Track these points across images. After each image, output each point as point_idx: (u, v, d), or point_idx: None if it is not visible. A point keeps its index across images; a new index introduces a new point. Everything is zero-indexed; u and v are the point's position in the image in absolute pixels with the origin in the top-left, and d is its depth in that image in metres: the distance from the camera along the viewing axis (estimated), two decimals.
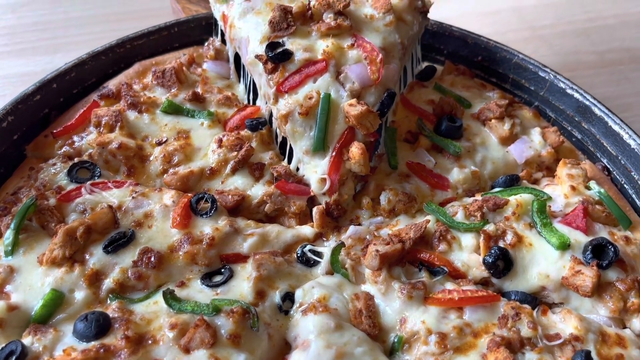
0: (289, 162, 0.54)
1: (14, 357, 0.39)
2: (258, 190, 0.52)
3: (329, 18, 0.46)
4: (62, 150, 0.54)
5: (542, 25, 0.87)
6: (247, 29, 0.49)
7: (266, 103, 0.52)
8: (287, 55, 0.46)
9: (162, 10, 0.81)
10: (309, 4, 0.48)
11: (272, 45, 0.47)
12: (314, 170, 0.45)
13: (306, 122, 0.44)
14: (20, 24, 0.76)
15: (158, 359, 0.40)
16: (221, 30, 0.63)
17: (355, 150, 0.42)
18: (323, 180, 0.45)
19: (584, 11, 0.90)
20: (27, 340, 0.40)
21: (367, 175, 0.48)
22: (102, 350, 0.39)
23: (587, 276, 0.45)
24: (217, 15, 0.55)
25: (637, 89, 0.77)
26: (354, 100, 0.43)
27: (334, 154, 0.43)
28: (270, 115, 0.56)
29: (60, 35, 0.74)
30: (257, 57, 0.47)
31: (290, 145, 0.54)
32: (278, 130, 0.56)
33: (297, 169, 0.53)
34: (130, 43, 0.62)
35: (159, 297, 0.44)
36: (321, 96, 0.43)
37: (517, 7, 0.89)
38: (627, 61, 0.81)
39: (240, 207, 0.51)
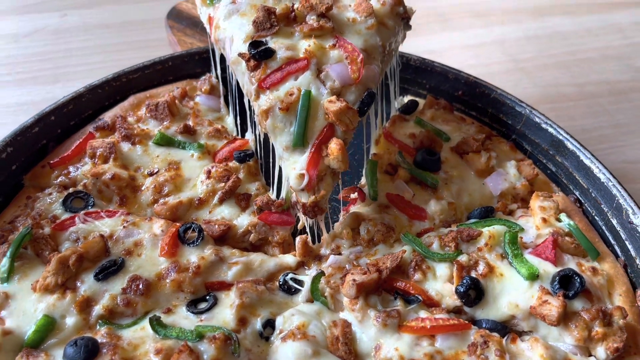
0: (278, 193, 0.57)
1: None
2: (244, 220, 0.54)
3: (311, 20, 0.48)
4: (58, 180, 0.56)
5: (525, 58, 0.90)
6: (231, 29, 0.50)
7: (249, 101, 0.51)
8: (269, 53, 0.47)
9: (159, 41, 0.84)
10: (292, 6, 0.50)
11: (255, 44, 0.48)
12: (293, 167, 0.45)
13: (286, 118, 0.45)
14: (22, 54, 0.79)
15: None
16: (215, 61, 0.66)
17: (334, 146, 0.43)
18: (302, 175, 0.45)
19: (565, 44, 0.93)
20: None
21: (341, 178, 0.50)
22: (101, 339, 0.42)
23: (554, 306, 0.47)
24: (204, 18, 0.57)
25: (615, 121, 0.80)
26: (333, 97, 0.44)
27: (313, 149, 0.44)
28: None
29: (61, 65, 0.77)
30: (240, 55, 0.48)
31: (275, 174, 0.56)
32: (262, 161, 0.58)
33: (280, 196, 0.56)
34: (126, 77, 0.65)
35: (145, 323, 0.45)
36: (302, 93, 0.44)
37: (500, 40, 0.92)
38: (606, 94, 0.84)
39: (226, 236, 0.53)
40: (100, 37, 0.86)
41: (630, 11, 0.97)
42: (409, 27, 0.53)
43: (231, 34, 0.49)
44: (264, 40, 0.49)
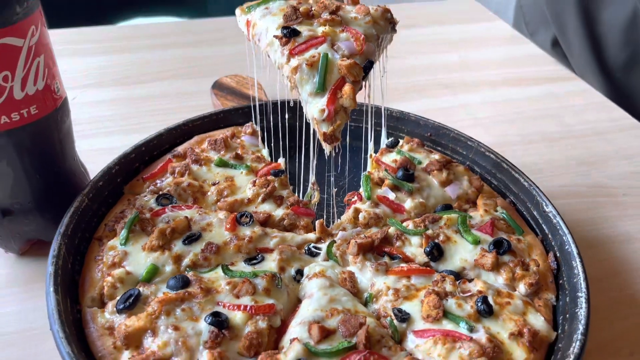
0: (301, 195, 0.80)
1: (132, 298, 0.62)
2: (279, 212, 0.76)
3: (325, 15, 0.66)
4: (149, 189, 0.78)
5: (482, 117, 1.13)
6: (266, 24, 0.67)
7: (278, 69, 0.67)
8: (296, 32, 0.64)
9: (206, 106, 1.07)
10: (311, 7, 0.67)
11: (285, 28, 0.65)
12: (317, 106, 0.58)
13: (310, 72, 0.61)
14: (104, 115, 1.03)
15: (219, 301, 0.62)
16: (254, 113, 0.89)
17: (347, 88, 0.57)
18: (323, 110, 0.61)
19: (513, 107, 1.16)
20: (139, 289, 0.63)
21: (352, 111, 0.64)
22: (186, 293, 0.62)
23: (489, 258, 0.68)
24: (242, 24, 0.71)
25: (547, 159, 1.02)
26: (345, 58, 0.62)
27: (330, 94, 0.59)
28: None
29: (133, 122, 1.00)
30: (275, 36, 0.65)
31: (301, 185, 0.79)
32: (289, 177, 0.82)
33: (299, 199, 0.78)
34: (192, 123, 0.88)
35: (218, 270, 0.66)
36: (321, 55, 0.61)
37: (464, 104, 1.16)
38: (542, 141, 1.07)
39: (268, 221, 0.74)
40: (160, 102, 1.10)
41: (563, 83, 1.23)
42: (394, 31, 0.70)
43: (266, 27, 0.65)
44: (291, 26, 0.66)
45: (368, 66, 0.65)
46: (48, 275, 0.61)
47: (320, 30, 0.65)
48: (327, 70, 0.62)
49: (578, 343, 0.58)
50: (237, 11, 0.73)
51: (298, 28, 0.65)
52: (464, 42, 1.45)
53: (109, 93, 1.11)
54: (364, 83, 0.66)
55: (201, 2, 2.03)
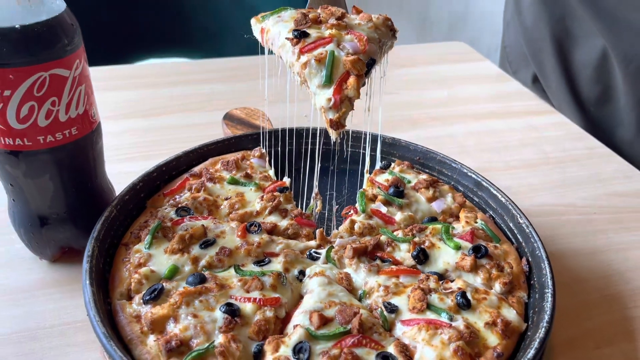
0: (301, 205, 0.89)
1: (157, 291, 0.70)
2: (284, 222, 0.85)
3: (332, 21, 0.72)
4: (169, 202, 0.88)
5: (468, 145, 1.21)
6: (278, 29, 0.73)
7: (289, 68, 0.73)
8: (306, 34, 0.70)
9: (218, 135, 1.15)
10: (319, 15, 0.74)
11: (295, 30, 0.71)
12: (324, 96, 0.64)
13: (318, 67, 0.67)
14: (125, 143, 1.13)
15: (232, 295, 0.71)
16: (262, 140, 0.99)
17: (351, 80, 0.62)
18: (329, 99, 0.67)
19: (496, 137, 1.25)
20: (162, 284, 0.72)
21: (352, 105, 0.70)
22: (203, 288, 0.71)
23: (468, 261, 0.77)
24: (257, 31, 0.76)
25: (526, 182, 1.09)
26: (349, 55, 0.68)
27: (336, 85, 0.65)
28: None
29: (152, 150, 1.10)
30: (287, 38, 0.71)
31: (303, 202, 0.88)
32: (293, 194, 0.91)
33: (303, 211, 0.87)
34: (207, 147, 0.97)
35: (231, 270, 0.74)
36: (328, 52, 0.67)
37: (451, 134, 1.26)
38: (523, 167, 1.16)
39: (274, 230, 0.83)
40: (177, 132, 1.20)
41: (543, 116, 1.33)
42: (395, 38, 0.76)
43: (278, 31, 0.71)
44: (301, 29, 0.72)
45: (371, 63, 0.71)
46: (84, 271, 0.70)
47: (328, 32, 0.71)
48: (333, 65, 0.68)
49: (543, 329, 0.66)
50: (252, 20, 0.79)
51: (307, 31, 0.71)
52: (453, 80, 1.56)
53: (129, 124, 1.21)
54: (366, 80, 0.72)
55: (211, 44, 2.16)
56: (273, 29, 0.75)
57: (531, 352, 0.63)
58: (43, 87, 0.70)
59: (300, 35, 0.71)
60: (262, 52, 0.81)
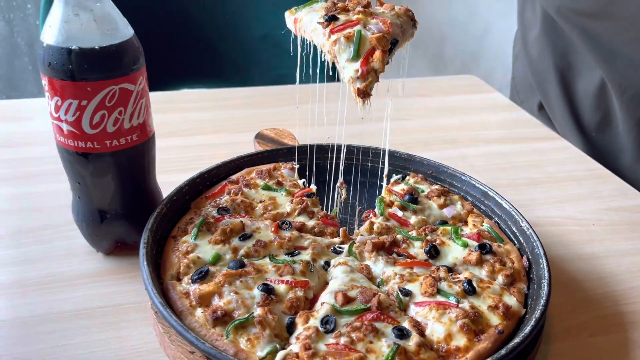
0: (325, 209, 0.99)
1: (203, 272, 0.81)
2: (311, 222, 0.95)
3: (359, 8, 0.78)
4: (211, 204, 0.99)
5: (478, 165, 1.30)
6: (310, 17, 0.80)
7: (321, 52, 0.80)
8: (335, 18, 0.77)
9: (249, 150, 1.26)
10: (347, 4, 0.80)
11: (326, 15, 0.78)
12: (352, 68, 0.70)
13: (347, 44, 0.74)
14: (169, 158, 1.24)
15: (267, 278, 0.81)
16: (294, 157, 1.10)
17: (377, 53, 0.68)
18: (357, 70, 0.73)
19: (504, 159, 1.33)
20: (208, 267, 0.82)
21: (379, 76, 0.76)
22: (243, 271, 0.81)
23: (474, 255, 0.86)
24: (290, 22, 0.83)
25: (530, 197, 1.18)
26: (374, 34, 0.75)
27: (363, 58, 0.72)
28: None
29: (192, 164, 1.19)
30: (318, 22, 0.78)
31: (328, 206, 0.99)
32: (319, 199, 1.02)
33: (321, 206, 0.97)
34: (243, 159, 1.09)
35: (266, 259, 0.84)
36: (356, 31, 0.74)
37: (463, 156, 1.35)
38: (528, 184, 1.25)
39: (302, 228, 0.94)
40: (213, 150, 1.32)
41: (548, 142, 1.43)
42: (415, 28, 0.82)
43: (310, 19, 0.78)
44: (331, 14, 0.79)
45: (394, 42, 0.77)
46: (141, 255, 0.81)
47: (355, 17, 0.79)
48: (360, 43, 0.75)
49: (539, 310, 0.75)
50: (286, 13, 0.87)
51: (337, 16, 0.79)
52: (465, 109, 1.68)
53: (169, 142, 1.32)
54: (390, 59, 0.78)
55: (240, 77, 2.31)
56: (305, 17, 0.82)
57: (527, 329, 0.72)
58: (113, 98, 0.82)
59: (330, 18, 0.78)
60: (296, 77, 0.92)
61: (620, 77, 1.25)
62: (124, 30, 0.83)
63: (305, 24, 0.83)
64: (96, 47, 0.79)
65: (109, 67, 0.81)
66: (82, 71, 0.79)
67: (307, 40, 0.85)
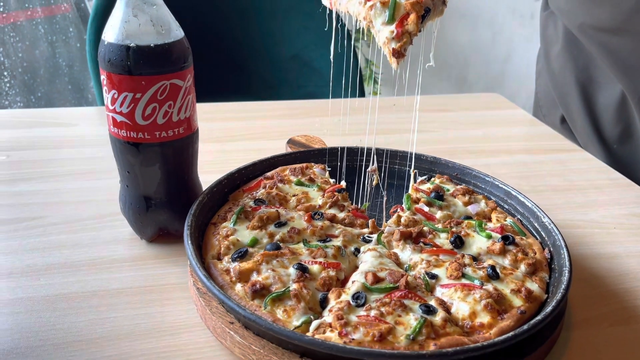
0: (359, 204, 1.04)
1: (242, 252, 0.86)
2: (342, 214, 1.01)
3: None
4: (248, 196, 1.05)
5: (500, 173, 1.30)
6: None
7: (356, 21, 0.83)
8: None
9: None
10: None
11: None
12: (387, 30, 0.74)
13: (382, 9, 0.78)
14: (206, 160, 1.30)
15: (302, 259, 0.86)
16: (325, 160, 1.16)
17: (411, 16, 0.72)
18: (392, 31, 0.77)
19: (525, 168, 1.36)
20: (247, 248, 0.88)
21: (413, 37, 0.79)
22: (279, 252, 0.86)
23: (497, 245, 0.90)
24: (326, 2, 0.87)
25: (552, 202, 1.20)
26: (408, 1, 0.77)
27: (398, 21, 0.76)
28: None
29: (228, 166, 1.22)
30: None
31: (358, 200, 1.04)
32: (349, 194, 1.07)
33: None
34: (277, 158, 1.15)
35: (300, 244, 0.90)
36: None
37: (486, 164, 1.39)
38: (550, 191, 1.28)
39: (333, 219, 0.99)
40: (245, 154, 1.37)
41: (570, 153, 1.47)
42: (445, 5, 0.85)
43: None
44: None
45: (426, 10, 0.81)
46: (185, 236, 0.87)
47: None
48: (395, 8, 0.79)
49: (560, 293, 0.78)
50: None
51: None
52: (489, 123, 1.72)
53: (207, 147, 1.39)
54: (422, 28, 0.82)
55: (269, 94, 2.39)
56: None
57: (549, 309, 0.75)
58: (164, 92, 0.89)
59: None
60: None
61: (639, 90, 1.28)
62: (176, 32, 0.91)
63: None
64: (152, 44, 0.87)
65: (162, 63, 0.88)
66: (138, 66, 0.87)
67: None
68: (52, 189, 1.22)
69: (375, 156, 1.18)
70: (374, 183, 1.06)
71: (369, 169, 1.07)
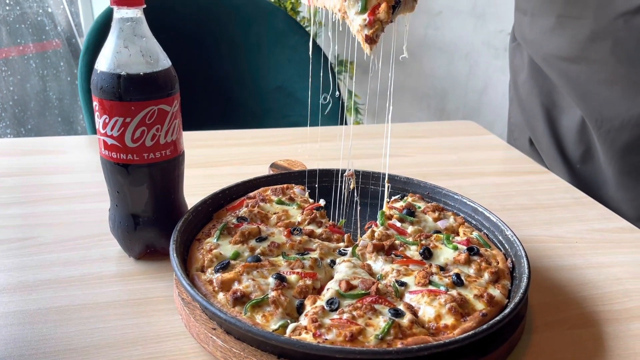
0: (335, 222, 1.11)
1: (225, 263, 0.91)
2: (319, 230, 1.07)
3: None
4: (231, 215, 1.11)
5: (472, 193, 1.32)
6: None
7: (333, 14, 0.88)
8: None
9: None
10: None
11: None
12: (360, 18, 0.77)
13: (355, 0, 0.82)
14: (193, 184, 1.35)
15: (281, 270, 0.91)
16: (305, 181, 1.23)
17: (382, 5, 0.75)
18: (364, 19, 0.80)
19: (497, 189, 1.45)
20: (229, 260, 0.93)
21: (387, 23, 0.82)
22: (259, 264, 0.92)
23: (463, 255, 0.96)
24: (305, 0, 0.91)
25: (520, 220, 1.27)
26: None
27: (370, 10, 0.79)
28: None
29: (210, 189, 1.27)
30: None
31: (336, 217, 1.10)
32: (327, 212, 1.13)
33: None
34: (259, 180, 1.21)
35: (280, 257, 0.96)
36: None
37: (458, 186, 1.45)
38: (519, 209, 1.33)
39: (311, 234, 1.05)
40: (229, 179, 1.42)
41: (538, 175, 1.54)
42: (416, 2, 0.88)
43: None
44: None
45: (397, 2, 0.84)
46: (171, 249, 0.92)
47: None
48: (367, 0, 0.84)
49: (519, 297, 0.84)
50: None
51: None
52: (463, 148, 1.80)
53: (196, 172, 1.45)
54: (393, 19, 0.85)
55: (255, 124, 2.46)
56: None
57: (507, 310, 0.81)
58: (152, 117, 0.96)
59: None
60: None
61: (596, 114, 1.38)
62: (164, 62, 0.98)
63: None
64: (141, 73, 0.94)
65: (150, 90, 0.95)
66: (128, 93, 0.93)
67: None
68: (43, 211, 1.27)
69: (352, 168, 1.25)
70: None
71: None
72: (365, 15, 0.85)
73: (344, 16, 0.89)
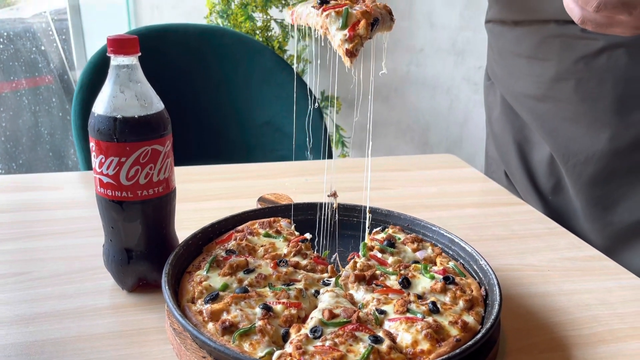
0: (319, 254, 1.16)
1: (214, 294, 0.96)
2: (304, 261, 1.12)
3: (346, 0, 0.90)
4: (220, 248, 1.16)
5: (451, 224, 1.37)
6: (305, 7, 0.92)
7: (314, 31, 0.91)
8: (327, 1, 0.88)
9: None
10: None
11: (319, 2, 0.89)
12: (341, 33, 0.81)
13: (337, 17, 0.85)
14: (184, 218, 1.41)
15: (267, 301, 0.96)
16: (290, 216, 1.29)
17: (362, 22, 0.79)
18: (345, 34, 0.84)
19: (474, 220, 1.49)
20: (218, 292, 0.97)
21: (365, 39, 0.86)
22: (247, 295, 0.96)
23: (439, 284, 1.02)
24: (288, 16, 0.93)
25: (495, 249, 1.34)
26: (360, 9, 0.85)
27: (350, 27, 0.83)
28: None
29: (199, 223, 1.31)
30: (312, 7, 0.89)
31: (320, 249, 1.16)
32: (312, 244, 1.18)
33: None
34: (248, 214, 1.27)
35: (267, 288, 1.01)
36: (344, 8, 0.85)
37: (438, 217, 1.51)
38: (492, 239, 1.40)
39: (297, 266, 1.09)
40: (218, 212, 1.47)
41: (513, 206, 1.61)
42: (392, 21, 0.93)
43: (305, 7, 0.91)
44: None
45: (374, 21, 0.90)
46: (163, 282, 0.97)
47: (343, 1, 0.92)
48: (348, 16, 0.88)
49: (490, 322, 0.90)
50: (286, 12, 1.02)
51: (328, 0, 0.93)
52: (443, 181, 1.87)
53: (185, 206, 1.50)
54: (371, 35, 0.90)
55: (242, 158, 2.52)
56: (300, 9, 0.97)
57: (479, 335, 0.86)
58: (146, 156, 1.02)
59: (322, 2, 0.92)
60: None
61: (563, 149, 1.46)
62: (157, 105, 1.04)
63: (300, 12, 0.97)
64: (136, 116, 1.00)
65: (144, 131, 1.01)
66: (123, 135, 0.99)
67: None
68: (38, 247, 1.31)
69: (332, 209, 1.31)
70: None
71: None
72: (346, 31, 0.88)
73: (326, 32, 0.92)
